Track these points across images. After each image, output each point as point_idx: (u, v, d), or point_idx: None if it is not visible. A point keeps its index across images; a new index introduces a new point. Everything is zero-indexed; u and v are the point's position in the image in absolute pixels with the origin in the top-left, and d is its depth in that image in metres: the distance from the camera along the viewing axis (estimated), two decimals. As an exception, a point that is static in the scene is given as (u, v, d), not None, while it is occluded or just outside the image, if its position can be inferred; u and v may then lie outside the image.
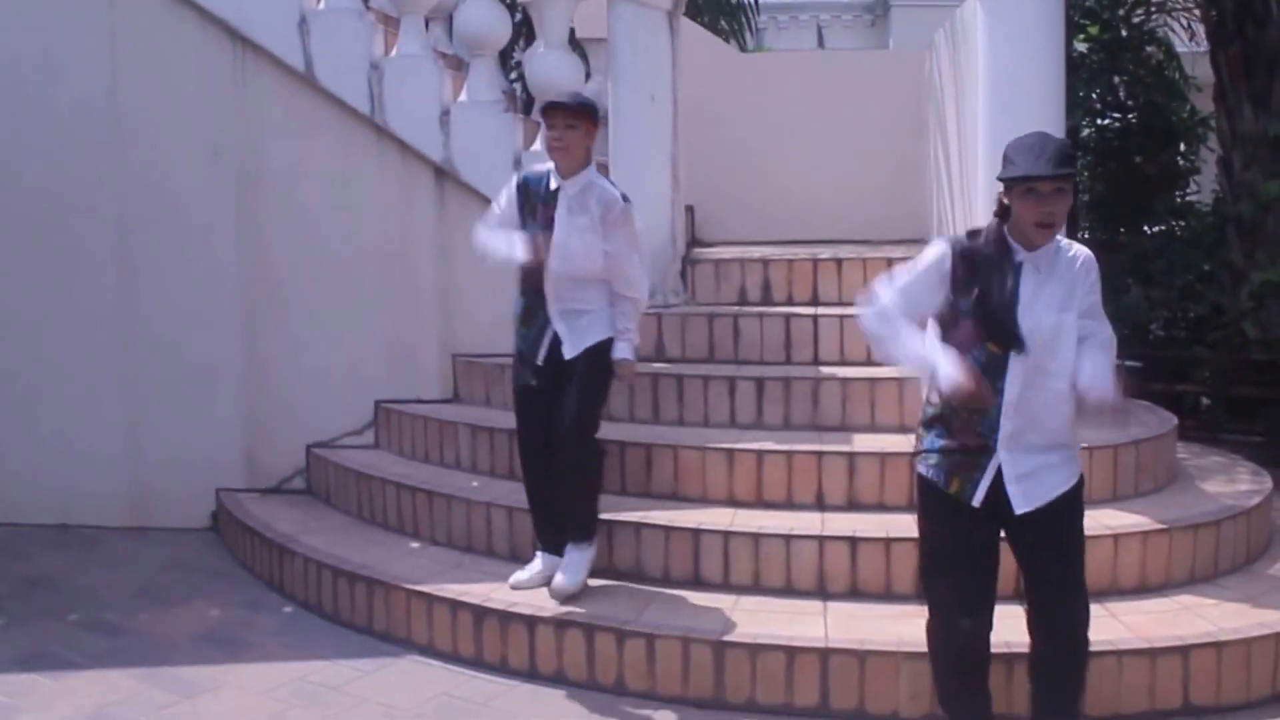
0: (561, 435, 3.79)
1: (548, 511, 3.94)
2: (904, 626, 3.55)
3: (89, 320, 5.34)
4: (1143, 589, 3.79)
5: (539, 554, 3.97)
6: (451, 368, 5.26)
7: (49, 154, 5.29)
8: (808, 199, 6.26)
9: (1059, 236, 2.87)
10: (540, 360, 3.83)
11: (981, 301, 2.83)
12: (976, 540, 2.94)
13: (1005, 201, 2.85)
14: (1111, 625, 3.54)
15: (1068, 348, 2.85)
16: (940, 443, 2.93)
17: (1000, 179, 2.84)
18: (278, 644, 4.03)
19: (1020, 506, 2.87)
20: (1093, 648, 3.32)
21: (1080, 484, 2.97)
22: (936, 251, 2.92)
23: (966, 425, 2.88)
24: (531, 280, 3.83)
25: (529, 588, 3.90)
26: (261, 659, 3.90)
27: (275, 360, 5.32)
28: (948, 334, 2.89)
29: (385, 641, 4.01)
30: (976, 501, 2.89)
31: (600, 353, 3.82)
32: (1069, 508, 2.93)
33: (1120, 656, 3.35)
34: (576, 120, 3.72)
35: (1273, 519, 4.47)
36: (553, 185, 3.80)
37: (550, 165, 3.82)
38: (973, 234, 2.94)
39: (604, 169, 5.18)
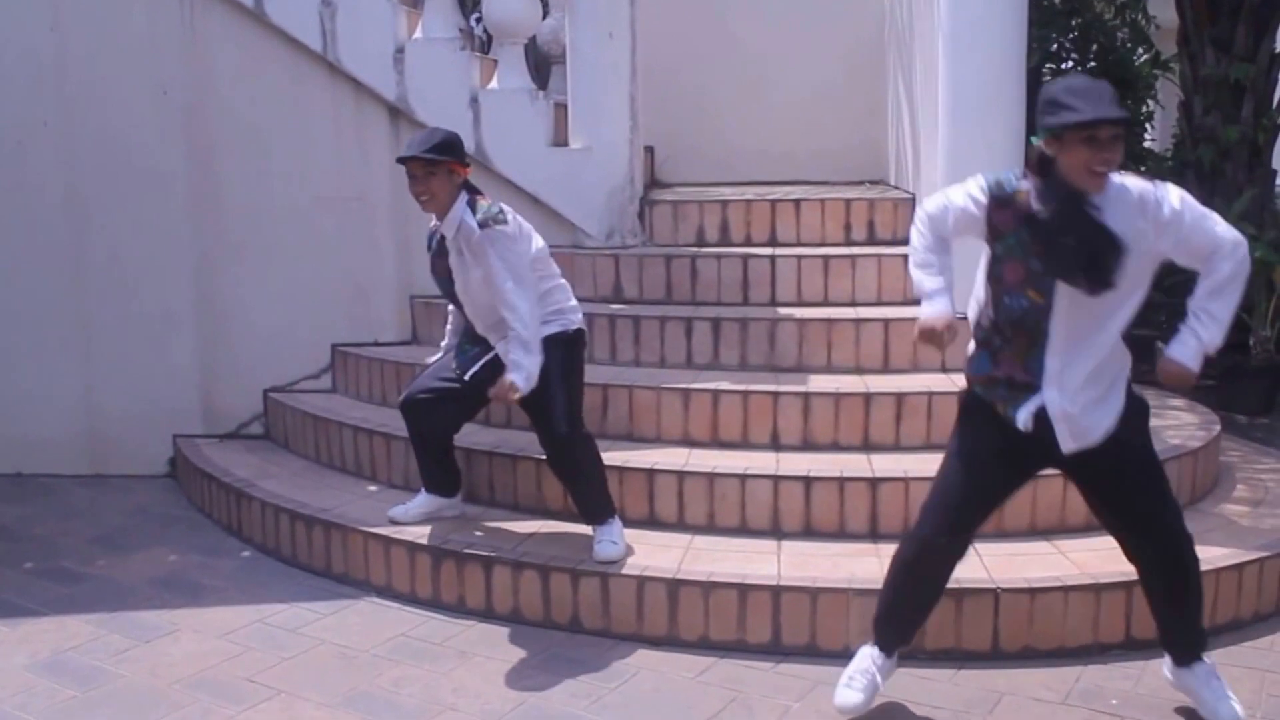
0: (557, 442, 3.73)
1: (432, 458, 3.98)
2: (856, 564, 3.60)
3: (39, 266, 5.23)
4: (1091, 527, 3.77)
5: (423, 491, 4.05)
6: (410, 309, 5.23)
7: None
8: (769, 139, 6.22)
9: (1115, 177, 2.72)
10: (469, 376, 3.77)
11: (1062, 254, 2.70)
12: (1006, 460, 2.89)
13: (1049, 152, 2.69)
14: (1059, 562, 3.60)
15: (1121, 296, 2.74)
16: (987, 369, 2.88)
17: (1059, 125, 2.63)
18: (236, 588, 4.04)
19: (1067, 446, 2.82)
20: (1039, 584, 3.42)
21: (1133, 412, 2.86)
22: (966, 193, 2.82)
23: (1012, 359, 2.83)
24: (469, 326, 3.85)
25: (406, 522, 3.98)
26: (219, 603, 3.90)
27: (231, 304, 5.25)
28: (993, 269, 2.82)
29: (343, 584, 4.03)
30: (1022, 424, 2.82)
31: (551, 350, 3.68)
32: (1128, 436, 2.85)
33: (1066, 592, 3.40)
34: (434, 166, 3.60)
35: (1220, 460, 4.55)
36: (440, 234, 3.75)
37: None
38: (1008, 182, 2.79)
39: (562, 108, 5.14)
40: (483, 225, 3.58)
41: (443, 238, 3.74)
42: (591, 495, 3.78)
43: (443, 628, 3.68)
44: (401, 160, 3.63)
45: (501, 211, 3.64)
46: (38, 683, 3.31)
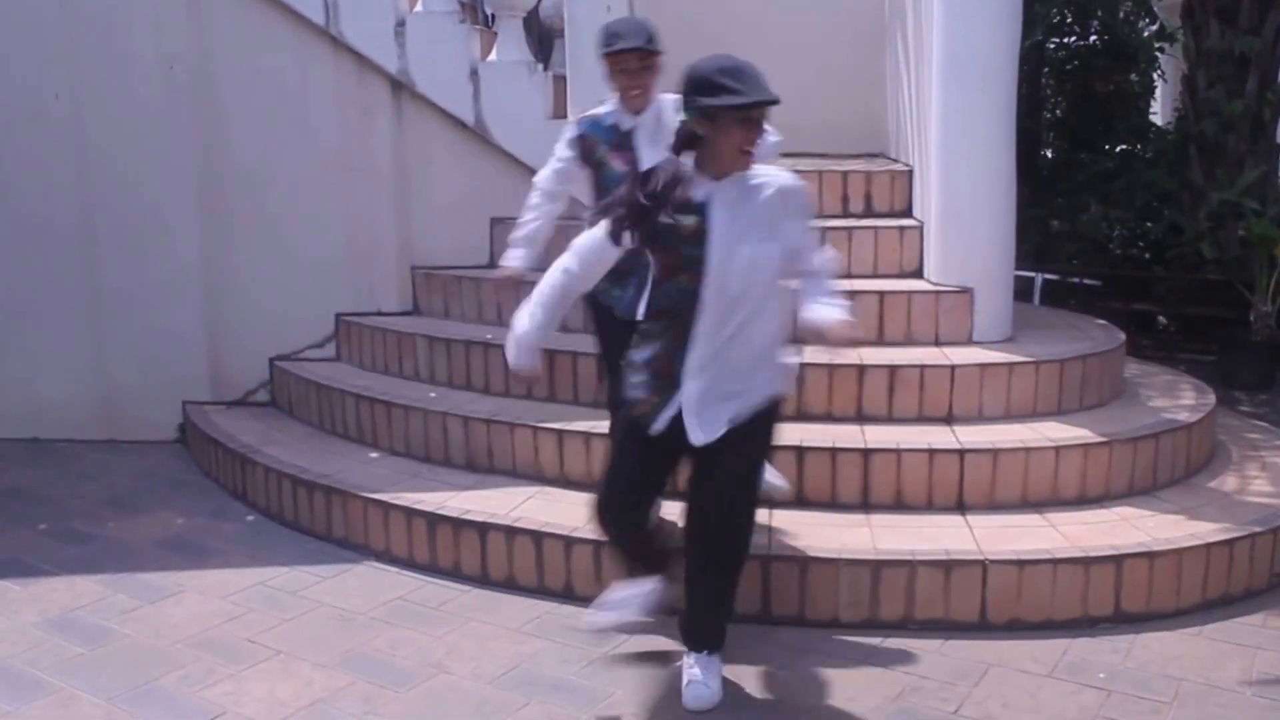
0: None
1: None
2: (847, 535, 3.63)
3: (51, 234, 5.31)
4: (1082, 500, 3.87)
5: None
6: (410, 280, 5.28)
7: (1, 64, 5.20)
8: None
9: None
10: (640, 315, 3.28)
11: (665, 237, 2.77)
12: (645, 455, 2.95)
13: (698, 131, 2.73)
14: (1049, 534, 3.62)
15: (764, 286, 2.76)
16: (647, 354, 2.90)
17: (713, 106, 2.68)
18: (239, 551, 4.12)
19: (697, 438, 2.86)
20: (1028, 556, 3.44)
21: (762, 414, 2.89)
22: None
23: (667, 352, 2.85)
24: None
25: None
26: (223, 565, 3.98)
27: (238, 273, 5.32)
28: (653, 258, 2.86)
29: (343, 548, 4.10)
30: (654, 430, 2.88)
31: None
32: (746, 432, 2.88)
33: (1055, 565, 3.42)
34: (650, 59, 3.35)
35: (1215, 434, 4.56)
36: (624, 127, 3.45)
37: (608, 108, 3.48)
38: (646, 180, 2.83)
39: (562, 81, 5.16)
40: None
41: (627, 133, 3.44)
42: None
43: (439, 592, 3.75)
44: (620, 52, 3.31)
45: None
46: (46, 640, 3.41)
